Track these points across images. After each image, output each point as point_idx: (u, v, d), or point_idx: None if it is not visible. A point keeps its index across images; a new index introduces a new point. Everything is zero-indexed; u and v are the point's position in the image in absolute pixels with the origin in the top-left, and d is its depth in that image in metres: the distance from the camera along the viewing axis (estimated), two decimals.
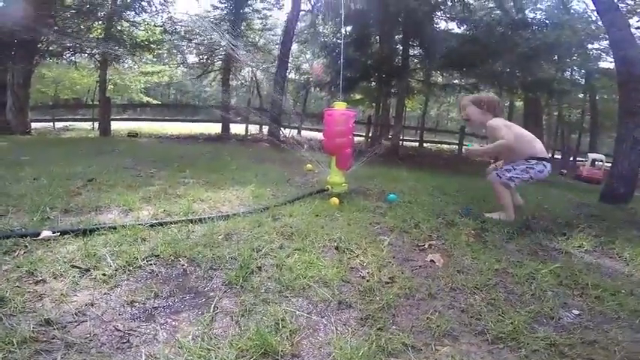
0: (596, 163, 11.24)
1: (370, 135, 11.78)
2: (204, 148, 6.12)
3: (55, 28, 8.77)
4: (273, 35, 15.53)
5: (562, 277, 1.70)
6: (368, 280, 1.51)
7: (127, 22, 11.01)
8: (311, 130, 11.67)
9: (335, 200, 2.47)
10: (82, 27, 9.70)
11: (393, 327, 1.24)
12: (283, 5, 14.14)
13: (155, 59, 15.23)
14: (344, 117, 2.65)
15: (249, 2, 12.40)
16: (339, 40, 9.71)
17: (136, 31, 11.55)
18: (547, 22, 8.91)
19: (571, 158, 16.73)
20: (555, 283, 1.64)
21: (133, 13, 10.72)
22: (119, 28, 10.72)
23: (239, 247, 1.69)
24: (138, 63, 14.51)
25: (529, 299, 1.50)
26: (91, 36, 9.99)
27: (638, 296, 1.56)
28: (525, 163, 2.51)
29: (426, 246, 1.91)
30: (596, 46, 12.30)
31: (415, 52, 10.14)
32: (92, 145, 6.27)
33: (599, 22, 11.44)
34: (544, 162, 2.53)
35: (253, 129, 11.20)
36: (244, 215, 2.10)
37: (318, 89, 13.00)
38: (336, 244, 1.77)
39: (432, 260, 1.77)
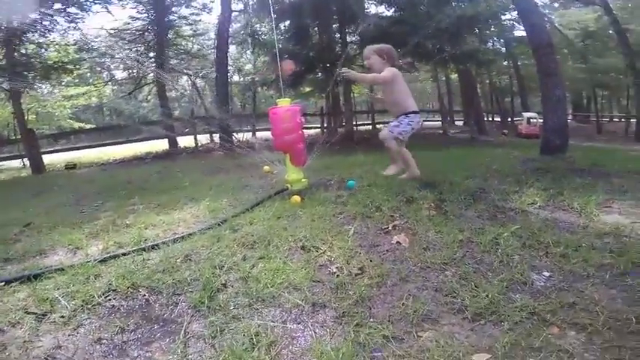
0: (531, 120, 12.28)
1: (325, 125, 11.84)
2: (153, 169, 5.76)
3: None
4: (206, 40, 14.96)
5: (524, 238, 1.76)
6: (338, 276, 1.49)
7: (33, 44, 9.98)
8: (266, 130, 11.47)
9: (296, 198, 2.42)
10: None
11: (371, 320, 1.22)
12: (212, 9, 13.58)
13: (77, 80, 14.04)
14: (289, 113, 2.59)
15: (172, 10, 11.78)
16: (279, 37, 9.60)
17: (46, 53, 10.53)
18: None
19: (509, 119, 18.12)
20: (519, 246, 1.69)
21: (36, 34, 9.69)
22: (23, 51, 9.68)
23: (199, 267, 1.60)
24: (57, 87, 13.26)
25: (498, 267, 1.53)
26: None
27: (599, 249, 1.62)
28: (406, 117, 2.76)
29: (390, 228, 1.93)
30: (508, 17, 13.31)
31: (353, 39, 10.30)
32: (26, 185, 5.67)
33: None
34: (418, 114, 2.84)
35: (204, 139, 10.75)
36: (201, 233, 1.98)
37: (265, 88, 12.77)
38: (301, 244, 1.73)
39: (397, 242, 1.79)
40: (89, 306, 1.35)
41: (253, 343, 1.12)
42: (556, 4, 15.82)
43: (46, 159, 9.44)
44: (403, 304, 1.30)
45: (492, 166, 3.56)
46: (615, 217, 2.03)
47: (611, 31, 14.14)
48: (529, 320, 1.17)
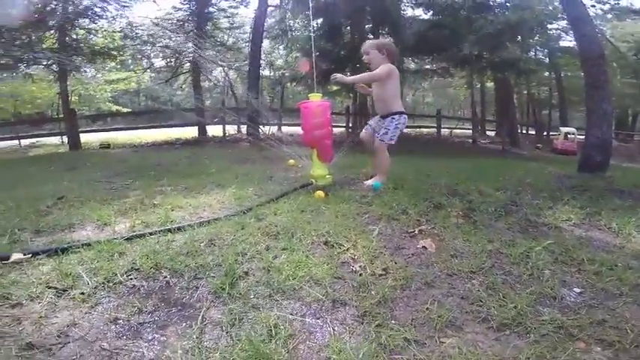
0: (569, 135, 11.67)
1: (350, 125, 11.76)
2: (182, 154, 5.91)
3: (2, 40, 8.20)
4: (242, 33, 15.18)
5: (556, 253, 1.69)
6: (361, 275, 1.45)
7: (83, 29, 10.47)
8: (291, 125, 11.54)
9: (320, 193, 2.40)
10: (32, 37, 9.12)
11: (393, 322, 1.18)
12: (250, 2, 13.77)
13: (119, 66, 14.63)
14: (320, 108, 2.57)
15: (212, 1, 12.03)
16: (310, 34, 9.60)
17: (94, 38, 11.01)
18: (507, 4, 9.13)
19: (545, 133, 17.28)
20: (551, 261, 1.62)
21: (87, 20, 10.18)
22: (74, 36, 10.18)
23: (223, 252, 1.60)
24: (101, 71, 13.89)
25: (527, 280, 1.47)
26: (44, 46, 9.41)
27: (635, 269, 1.55)
28: (392, 120, 2.71)
29: (417, 232, 1.87)
30: (555, 26, 12.69)
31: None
32: (62, 160, 5.95)
33: (556, 3, 11.86)
34: (403, 114, 2.78)
35: (232, 129, 10.95)
36: (226, 219, 1.99)
37: (294, 84, 12.84)
38: (324, 239, 1.71)
39: (424, 246, 1.73)
40: (110, 284, 1.36)
41: (271, 335, 1.10)
42: (609, 15, 14.89)
43: (83, 138, 9.89)
44: (427, 309, 1.25)
45: (525, 179, 3.43)
46: None
47: None
48: (556, 334, 1.13)
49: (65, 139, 10.24)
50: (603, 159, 4.33)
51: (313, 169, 2.69)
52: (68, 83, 10.87)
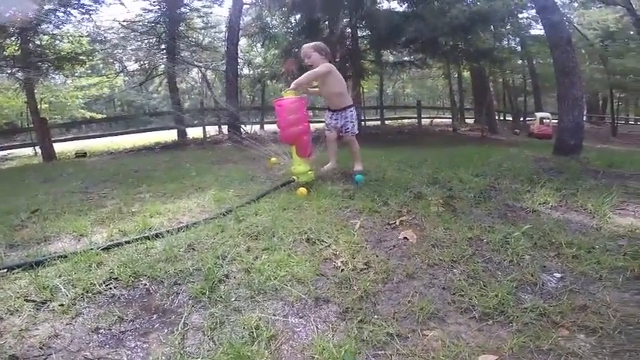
0: (544, 120, 12.01)
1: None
2: (161, 158, 5.76)
3: None
4: (218, 32, 14.90)
5: (535, 238, 1.71)
6: (343, 270, 1.45)
7: (46, 35, 10.08)
8: (273, 123, 11.45)
9: (302, 190, 2.39)
10: None
11: (375, 317, 1.19)
12: (224, 1, 13.54)
13: (90, 71, 14.14)
14: (294, 105, 2.55)
15: (184, 2, 11.76)
16: (289, 30, 9.51)
17: (60, 43, 10.61)
18: None
19: (521, 119, 17.76)
20: (530, 246, 1.64)
21: (50, 25, 9.78)
22: (37, 42, 9.78)
23: (202, 257, 1.58)
24: (70, 77, 13.39)
25: (508, 266, 1.48)
26: (5, 54, 8.99)
27: (612, 251, 1.57)
28: (351, 112, 2.95)
29: (397, 223, 1.88)
30: (525, 15, 13.01)
31: (364, 34, 10.17)
32: (36, 172, 5.71)
33: None
34: (353, 106, 3.02)
35: (212, 130, 10.76)
36: (206, 222, 1.96)
37: (275, 81, 12.69)
38: (306, 237, 1.70)
39: (405, 237, 1.74)
40: (89, 294, 1.34)
41: (253, 337, 1.09)
42: (575, 4, 15.33)
43: (58, 147, 9.53)
44: (409, 302, 1.26)
45: (503, 164, 3.49)
46: (630, 220, 1.98)
47: (632, 32, 13.67)
48: (538, 322, 1.13)
49: (38, 149, 9.84)
50: (576, 142, 4.48)
51: (294, 166, 2.67)
52: (36, 91, 10.44)
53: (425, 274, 1.45)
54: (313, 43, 2.88)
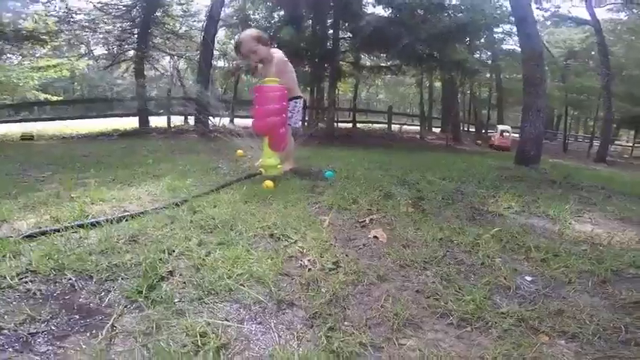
0: (504, 133, 12.67)
1: (307, 119, 11.64)
2: (117, 145, 5.33)
3: None
4: (196, 22, 14.28)
5: (504, 241, 1.72)
6: (310, 270, 1.30)
7: (10, 12, 9.16)
8: (244, 117, 11.09)
9: (269, 183, 2.21)
10: None
11: (345, 323, 1.05)
12: None
13: (51, 52, 13.02)
14: (277, 94, 2.36)
15: None
16: (270, 24, 9.27)
17: (23, 22, 9.67)
18: (462, 6, 9.54)
19: (483, 131, 18.66)
20: (499, 248, 1.64)
21: (18, 3, 8.90)
22: None
23: (145, 250, 1.36)
24: (28, 57, 12.25)
25: (480, 269, 1.45)
26: None
27: (577, 255, 1.60)
28: (295, 104, 2.72)
29: (367, 221, 1.78)
30: (499, 29, 13.62)
31: (345, 36, 10.17)
32: None
33: (504, 8, 12.73)
34: (302, 98, 2.84)
35: (178, 121, 10.22)
36: (155, 212, 1.73)
37: (249, 76, 12.36)
38: (269, 232, 1.53)
39: (375, 236, 1.64)
40: None
41: (197, 345, 0.92)
42: (548, 22, 16.23)
43: (3, 128, 8.65)
44: (382, 307, 1.14)
45: (468, 171, 3.57)
46: (588, 227, 2.09)
47: (593, 52, 14.69)
48: (517, 327, 1.08)
49: None
50: (536, 152, 4.70)
51: (263, 159, 2.48)
52: None
53: (397, 275, 1.35)
54: (251, 34, 2.46)
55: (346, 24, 9.65)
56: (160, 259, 1.29)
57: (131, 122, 10.07)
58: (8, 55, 11.08)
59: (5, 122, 9.37)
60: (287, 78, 2.59)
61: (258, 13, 11.03)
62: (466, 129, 18.99)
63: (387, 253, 1.50)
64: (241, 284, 1.18)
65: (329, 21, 9.85)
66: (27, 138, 8.00)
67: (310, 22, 9.87)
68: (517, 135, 14.85)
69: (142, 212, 1.72)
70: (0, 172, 3.10)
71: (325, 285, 1.23)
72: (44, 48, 11.10)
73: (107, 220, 1.60)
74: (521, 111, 5.13)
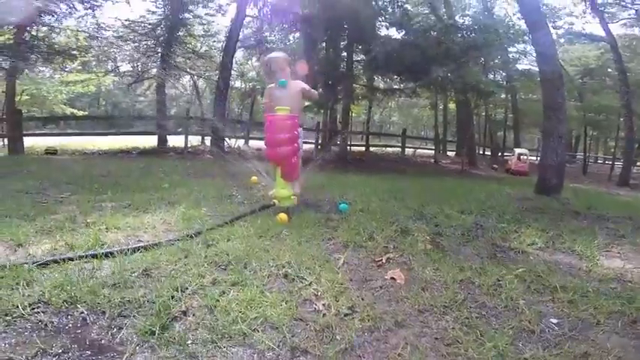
0: (522, 157, 12.32)
1: (320, 142, 11.66)
2: (135, 164, 5.43)
3: None
4: (216, 42, 14.82)
5: (528, 281, 1.65)
6: (324, 315, 1.26)
7: (45, 26, 9.68)
8: (259, 139, 11.22)
9: (283, 216, 2.19)
10: None
11: None
12: (227, 11, 13.43)
13: (80, 67, 13.70)
14: (288, 122, 2.36)
15: (189, 8, 11.63)
16: (285, 46, 9.48)
17: (56, 37, 10.21)
18: (475, 26, 9.54)
19: (499, 154, 18.25)
20: (524, 289, 1.58)
21: (52, 18, 9.41)
22: (34, 33, 9.37)
23: (158, 285, 1.35)
24: (59, 71, 12.88)
25: (503, 312, 1.39)
26: None
27: (607, 295, 1.53)
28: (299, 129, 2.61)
29: (384, 260, 1.73)
30: (514, 49, 13.55)
31: (358, 58, 10.29)
32: None
33: (517, 27, 12.70)
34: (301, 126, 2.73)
35: (195, 140, 10.43)
36: (168, 244, 1.72)
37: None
38: (284, 271, 1.49)
39: (392, 277, 1.59)
40: (9, 318, 1.11)
41: None
42: (562, 40, 16.00)
43: (29, 142, 8.98)
44: (399, 355, 1.08)
45: (488, 202, 3.48)
46: (617, 262, 2.03)
47: (610, 70, 14.28)
48: None
49: (7, 141, 9.22)
50: (558, 181, 4.47)
51: (276, 189, 2.45)
52: (19, 82, 9.92)
53: (415, 321, 1.29)
54: (284, 56, 2.57)
55: (360, 47, 9.76)
56: (173, 297, 1.27)
57: (150, 140, 10.33)
58: (41, 69, 11.63)
59: (32, 135, 9.74)
60: (297, 104, 2.62)
61: (275, 35, 11.34)
62: (482, 152, 18.63)
63: (405, 297, 1.44)
64: (255, 329, 1.15)
65: (342, 43, 9.98)
66: (51, 153, 8.29)
67: (324, 44, 10.03)
68: (534, 158, 14.60)
69: (156, 244, 1.71)
70: (21, 191, 3.17)
71: (340, 331, 1.17)
72: (73, 63, 11.62)
73: (120, 251, 1.60)
74: (541, 137, 4.95)
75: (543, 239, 2.33)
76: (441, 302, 1.40)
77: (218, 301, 1.27)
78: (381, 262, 1.70)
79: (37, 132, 10.89)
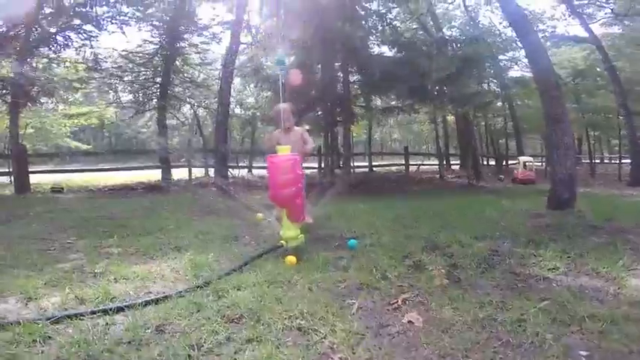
0: (527, 164, 12.18)
1: (322, 166, 11.64)
2: (140, 202, 5.40)
3: None
4: (213, 70, 15.09)
5: (553, 313, 1.59)
6: None
7: (45, 58, 9.93)
8: (261, 168, 11.23)
9: (291, 259, 2.15)
10: None
11: None
12: (222, 39, 13.73)
13: (82, 99, 13.97)
14: (289, 163, 2.35)
15: (184, 37, 11.90)
16: (279, 72, 9.58)
17: (56, 68, 10.46)
18: (463, 37, 9.64)
19: (504, 162, 18.08)
20: (549, 322, 1.52)
21: (49, 49, 9.65)
22: (34, 65, 9.61)
23: (173, 343, 1.32)
24: (61, 104, 13.12)
25: (529, 349, 1.33)
26: None
27: (636, 320, 1.47)
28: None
29: (400, 302, 1.67)
30: (504, 57, 13.65)
31: (354, 79, 10.39)
32: (1, 207, 5.29)
33: (504, 35, 12.80)
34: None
35: (198, 172, 10.45)
36: (178, 296, 1.69)
37: (265, 123, 12.71)
38: (297, 324, 1.44)
39: (409, 321, 1.53)
40: None
41: None
42: (548, 43, 16.08)
43: (35, 178, 9.05)
44: None
45: (500, 222, 3.39)
46: None
47: (599, 69, 14.25)
48: None
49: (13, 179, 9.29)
50: (570, 194, 4.29)
51: (283, 230, 2.42)
52: (22, 115, 10.07)
53: None
54: (290, 107, 2.99)
55: (354, 67, 9.86)
56: (189, 356, 1.24)
57: (154, 173, 10.39)
58: (42, 100, 11.88)
59: (37, 173, 9.82)
60: (300, 148, 2.84)
61: (270, 60, 11.52)
62: (485, 162, 18.49)
63: (425, 342, 1.38)
64: None
65: (337, 64, 10.10)
66: (57, 190, 8.32)
67: (319, 66, 10.16)
68: (540, 164, 14.38)
69: (166, 297, 1.68)
70: (28, 236, 3.16)
71: None
72: (76, 94, 11.79)
73: (132, 306, 1.58)
74: (547, 149, 4.83)
75: (564, 262, 2.25)
76: (463, 345, 1.34)
77: (235, 359, 1.23)
78: (396, 304, 1.65)
79: (43, 169, 11.00)
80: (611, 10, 13.09)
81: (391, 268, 1.94)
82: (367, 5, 10.18)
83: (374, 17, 10.35)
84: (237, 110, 15.94)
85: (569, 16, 14.01)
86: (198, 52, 13.03)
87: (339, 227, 2.85)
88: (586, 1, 13.35)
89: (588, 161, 16.18)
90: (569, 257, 2.33)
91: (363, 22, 9.54)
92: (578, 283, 1.95)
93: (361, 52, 8.86)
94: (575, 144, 21.06)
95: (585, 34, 12.77)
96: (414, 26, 14.08)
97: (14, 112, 9.13)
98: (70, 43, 9.77)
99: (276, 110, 2.98)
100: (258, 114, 12.39)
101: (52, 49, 9.73)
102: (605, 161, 21.75)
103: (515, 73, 15.34)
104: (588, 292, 1.82)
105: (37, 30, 9.23)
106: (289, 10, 9.27)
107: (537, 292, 1.83)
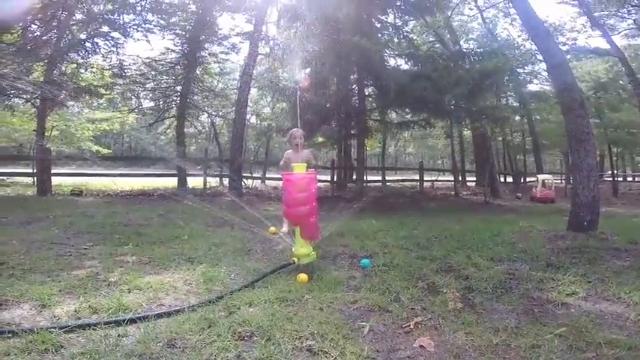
0: (546, 182, 11.83)
1: (335, 179, 11.60)
2: (156, 210, 5.50)
3: None
4: (231, 80, 15.40)
5: (570, 339, 1.54)
6: None
7: (74, 63, 10.31)
8: (275, 179, 11.26)
9: (303, 277, 2.14)
10: (21, 68, 8.83)
11: None
12: (240, 49, 14.04)
13: (105, 104, 14.44)
14: (304, 181, 2.37)
15: (205, 46, 12.21)
16: (295, 85, 9.70)
17: (84, 73, 10.84)
18: (480, 50, 9.50)
19: (522, 180, 17.59)
20: (564, 348, 1.47)
21: (78, 55, 10.06)
22: (63, 69, 9.99)
23: (183, 358, 1.33)
24: (85, 108, 13.61)
25: None
26: (30, 78, 9.13)
27: None
28: None
29: (412, 326, 1.63)
30: (523, 70, 13.36)
31: (370, 92, 10.38)
32: (23, 208, 5.46)
33: (523, 48, 12.57)
34: None
35: (213, 181, 10.59)
36: (191, 310, 1.69)
37: (280, 134, 12.84)
38: (307, 344, 1.42)
39: (421, 345, 1.49)
40: None
41: None
42: (568, 56, 15.66)
43: (57, 180, 9.34)
44: None
45: (518, 244, 3.28)
46: None
47: (621, 82, 13.75)
48: None
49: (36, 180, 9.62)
50: (593, 217, 4.09)
51: (296, 248, 2.42)
52: (49, 118, 10.47)
53: None
54: (302, 131, 3.38)
55: (370, 80, 9.83)
56: None
57: (171, 180, 10.58)
58: (70, 103, 12.32)
59: (59, 175, 10.12)
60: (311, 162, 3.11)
61: (286, 72, 11.68)
62: (502, 179, 17.99)
63: None
64: None
65: (353, 77, 10.10)
66: (76, 193, 8.57)
67: (335, 79, 10.18)
68: (559, 181, 13.81)
69: (178, 310, 1.69)
70: (45, 240, 3.23)
71: None
72: (100, 99, 12.20)
73: (144, 318, 1.59)
74: (571, 171, 4.62)
75: (584, 287, 2.17)
76: None
77: None
78: (408, 328, 1.61)
79: (64, 172, 11.36)
80: (634, 20, 12.75)
81: (404, 290, 1.90)
82: (383, 18, 10.23)
83: (390, 30, 10.38)
84: (253, 120, 16.15)
85: (590, 27, 13.68)
86: (218, 62, 13.36)
87: (352, 245, 2.82)
88: (607, 12, 13.06)
89: (611, 179, 15.56)
90: (589, 282, 2.26)
91: (379, 35, 9.58)
92: (598, 308, 1.89)
93: (377, 66, 8.82)
94: (597, 162, 20.29)
95: (607, 46, 12.45)
96: (431, 39, 14.05)
97: (42, 115, 9.52)
98: (97, 50, 10.25)
99: (292, 134, 3.36)
100: (273, 125, 12.51)
101: (81, 54, 10.19)
102: (629, 179, 20.93)
103: (534, 87, 15.01)
104: (607, 318, 1.76)
105: (67, 36, 9.70)
106: (306, 23, 9.41)
107: (554, 317, 1.78)
